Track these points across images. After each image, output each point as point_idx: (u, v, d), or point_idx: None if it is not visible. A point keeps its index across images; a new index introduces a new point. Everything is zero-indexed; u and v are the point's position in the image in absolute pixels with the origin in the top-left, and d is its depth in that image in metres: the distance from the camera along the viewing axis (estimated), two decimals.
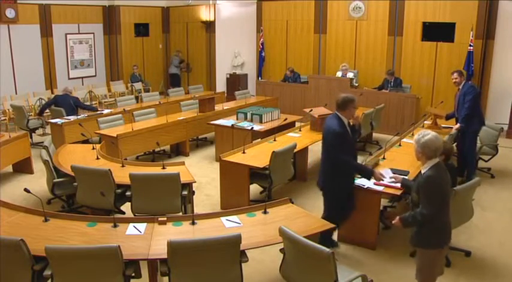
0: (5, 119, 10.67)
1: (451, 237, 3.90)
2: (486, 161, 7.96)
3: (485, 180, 7.53)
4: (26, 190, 4.50)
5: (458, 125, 7.23)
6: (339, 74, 11.34)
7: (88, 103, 11.84)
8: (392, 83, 10.58)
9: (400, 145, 6.98)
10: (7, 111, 10.92)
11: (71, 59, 13.55)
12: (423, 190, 3.65)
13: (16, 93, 11.98)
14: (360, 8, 11.81)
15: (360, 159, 7.01)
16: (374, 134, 9.79)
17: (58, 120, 8.73)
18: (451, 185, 3.90)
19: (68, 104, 9.27)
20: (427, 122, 8.26)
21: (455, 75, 7.32)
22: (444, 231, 3.82)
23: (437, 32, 10.84)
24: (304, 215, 4.49)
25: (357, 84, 11.32)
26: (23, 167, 7.95)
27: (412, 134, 7.61)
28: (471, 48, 10.08)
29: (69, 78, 13.46)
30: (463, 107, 7.19)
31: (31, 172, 7.97)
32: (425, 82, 11.14)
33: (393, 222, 3.87)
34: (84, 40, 13.86)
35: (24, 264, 3.60)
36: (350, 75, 11.20)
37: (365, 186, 5.21)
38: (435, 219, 3.68)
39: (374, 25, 11.70)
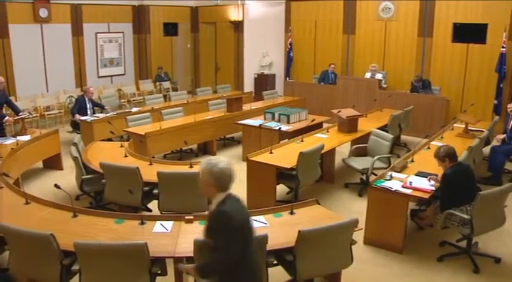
0: (36, 116, 10.88)
1: None
2: None
3: None
4: (56, 186, 4.57)
5: (504, 136, 7.32)
6: (368, 75, 11.23)
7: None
8: (420, 86, 10.41)
9: (428, 148, 6.85)
10: (38, 108, 11.16)
11: (101, 58, 13.75)
12: (219, 230, 2.84)
13: (47, 91, 12.25)
14: (389, 8, 11.66)
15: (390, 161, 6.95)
16: (402, 136, 9.64)
17: (87, 118, 8.86)
18: None
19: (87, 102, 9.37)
20: (458, 125, 8.11)
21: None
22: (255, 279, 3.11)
23: (469, 33, 10.58)
24: (331, 216, 4.44)
25: (385, 86, 11.17)
26: (53, 163, 8.10)
27: (442, 137, 7.48)
28: (504, 49, 9.82)
29: (98, 77, 13.68)
30: None
31: (61, 168, 8.12)
32: (455, 84, 10.91)
33: (187, 270, 3.18)
34: (114, 39, 14.05)
35: (54, 258, 3.66)
36: (379, 76, 11.07)
37: (393, 189, 5.14)
38: (241, 267, 2.92)
39: (404, 26, 11.52)
